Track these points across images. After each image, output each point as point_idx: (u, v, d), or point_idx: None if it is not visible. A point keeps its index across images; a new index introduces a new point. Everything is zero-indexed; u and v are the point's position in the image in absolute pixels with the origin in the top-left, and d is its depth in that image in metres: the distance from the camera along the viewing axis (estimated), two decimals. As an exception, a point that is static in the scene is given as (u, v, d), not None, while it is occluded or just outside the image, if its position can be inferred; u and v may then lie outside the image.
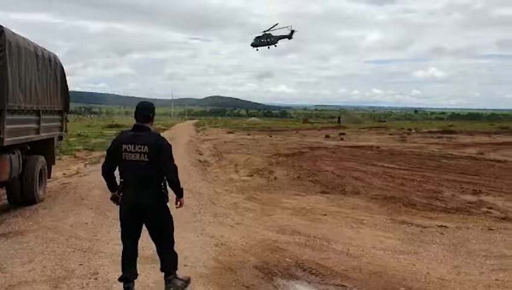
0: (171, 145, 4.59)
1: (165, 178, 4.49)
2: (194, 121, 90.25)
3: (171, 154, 4.54)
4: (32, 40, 8.79)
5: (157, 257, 4.89)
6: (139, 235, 4.71)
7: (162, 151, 4.41)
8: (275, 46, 39.53)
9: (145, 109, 4.58)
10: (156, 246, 4.75)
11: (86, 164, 16.78)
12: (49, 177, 10.46)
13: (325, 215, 8.62)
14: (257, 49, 38.92)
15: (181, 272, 5.43)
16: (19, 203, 9.03)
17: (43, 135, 9.55)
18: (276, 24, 43.31)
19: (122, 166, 4.49)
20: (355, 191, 11.18)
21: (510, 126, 56.36)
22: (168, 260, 4.73)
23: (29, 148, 9.15)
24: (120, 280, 4.65)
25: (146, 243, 6.49)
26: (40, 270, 5.37)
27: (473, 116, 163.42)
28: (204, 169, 15.85)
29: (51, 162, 10.40)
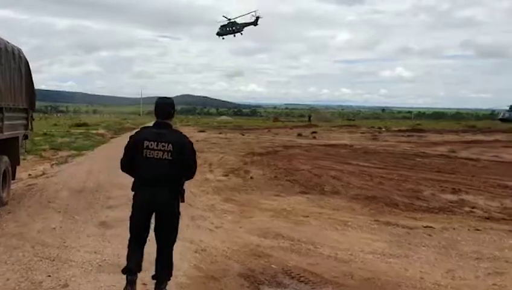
0: (192, 143, 4.51)
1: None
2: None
3: (195, 154, 4.49)
4: None
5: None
6: (148, 233, 4.54)
7: (186, 150, 4.36)
8: (241, 34, 39.20)
9: (166, 105, 4.49)
10: (158, 249, 4.53)
11: (53, 164, 16.04)
12: (13, 179, 9.81)
13: (307, 216, 8.30)
14: (223, 38, 38.47)
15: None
16: (-20, 207, 8.39)
17: (6, 134, 8.88)
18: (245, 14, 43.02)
19: (142, 163, 4.33)
20: (335, 191, 10.92)
21: (477, 125, 57.67)
22: (166, 267, 4.53)
23: (-10, 148, 8.51)
24: (123, 271, 4.47)
25: (120, 250, 6.08)
26: (2, 284, 4.86)
27: (439, 115, 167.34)
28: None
29: (15, 162, 9.76)
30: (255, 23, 44.03)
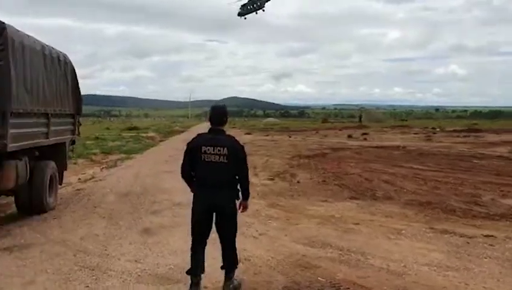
0: (244, 147, 4.86)
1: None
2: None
3: (246, 157, 4.82)
4: (49, 44, 8.23)
5: (172, 276, 5.16)
6: (209, 233, 4.82)
7: (239, 153, 4.71)
8: (263, 10, 36.34)
9: (220, 113, 4.83)
10: (223, 246, 4.87)
11: (102, 167, 16.29)
12: (60, 184, 9.89)
13: (357, 224, 7.85)
14: (245, 18, 35.94)
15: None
16: (28, 212, 8.46)
17: (53, 140, 8.97)
18: None
19: (200, 166, 4.66)
20: (387, 196, 10.37)
21: (538, 124, 54.56)
22: (232, 259, 4.89)
23: (37, 153, 8.58)
24: (188, 272, 4.76)
25: (160, 259, 5.89)
26: (40, 294, 4.75)
27: (495, 114, 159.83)
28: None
29: (62, 167, 9.82)
30: None
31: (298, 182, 12.72)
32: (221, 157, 4.60)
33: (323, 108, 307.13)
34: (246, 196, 4.91)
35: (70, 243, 6.68)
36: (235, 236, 4.90)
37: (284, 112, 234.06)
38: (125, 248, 6.42)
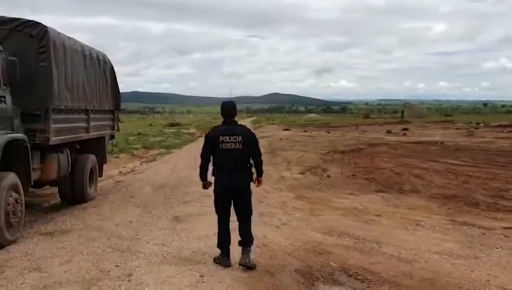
0: (254, 134, 5.66)
1: (251, 162, 5.48)
2: (252, 118, 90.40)
3: (258, 142, 5.62)
4: (96, 42, 8.90)
5: (194, 258, 5.73)
6: (230, 209, 5.56)
7: (252, 139, 5.50)
8: None
9: (231, 108, 5.59)
10: (240, 221, 5.54)
11: (142, 161, 17.04)
12: (100, 176, 10.57)
13: (379, 215, 8.07)
14: None
15: (218, 274, 5.20)
16: (70, 202, 9.15)
17: (93, 134, 9.63)
18: None
19: (219, 154, 5.37)
20: (414, 190, 10.48)
21: None
22: (248, 234, 5.51)
23: (78, 147, 9.25)
24: (219, 246, 5.52)
25: (185, 243, 6.36)
26: (75, 271, 5.28)
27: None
28: (257, 166, 15.60)
29: (102, 160, 10.50)
30: None
31: (328, 176, 12.96)
32: (237, 144, 5.35)
33: (367, 103, 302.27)
34: (260, 173, 5.64)
35: (105, 229, 7.25)
36: (251, 213, 5.59)
37: (326, 107, 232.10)
38: (155, 233, 6.93)
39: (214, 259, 5.57)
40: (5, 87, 6.48)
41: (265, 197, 9.86)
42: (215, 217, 5.68)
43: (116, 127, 11.47)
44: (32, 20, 7.41)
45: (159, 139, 27.76)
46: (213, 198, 5.65)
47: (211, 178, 5.61)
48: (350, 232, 6.94)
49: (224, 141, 5.35)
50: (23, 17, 7.46)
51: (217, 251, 5.60)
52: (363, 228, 7.22)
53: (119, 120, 11.88)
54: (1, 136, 6.22)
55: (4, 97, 6.48)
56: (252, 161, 5.52)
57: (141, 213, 8.36)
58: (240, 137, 5.38)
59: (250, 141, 5.47)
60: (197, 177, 11.87)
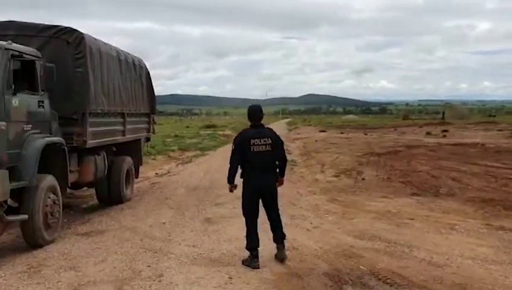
0: (279, 136, 5.95)
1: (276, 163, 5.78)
2: (288, 120, 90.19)
3: (283, 144, 5.95)
4: (136, 47, 9.17)
5: (223, 259, 5.86)
6: (259, 210, 5.74)
7: (279, 141, 5.79)
8: None
9: (259, 111, 5.85)
10: (270, 220, 5.79)
11: (178, 163, 17.31)
12: (136, 177, 10.81)
13: (412, 219, 7.93)
14: None
15: (247, 276, 5.25)
16: (107, 203, 9.42)
17: (129, 137, 9.87)
18: None
19: (250, 156, 5.57)
20: (450, 193, 10.23)
21: None
22: (281, 231, 5.78)
23: (115, 149, 9.50)
24: (248, 248, 5.64)
25: (216, 245, 6.44)
26: (109, 271, 5.44)
27: None
28: (291, 169, 15.50)
29: (138, 162, 10.74)
30: None
31: (363, 179, 12.82)
32: (267, 146, 5.61)
33: (407, 104, 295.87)
34: (282, 174, 5.92)
35: (139, 229, 7.43)
36: (278, 210, 5.85)
37: (365, 108, 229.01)
38: (187, 235, 7.05)
39: (243, 261, 5.64)
40: (43, 92, 6.73)
41: (298, 200, 9.86)
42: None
43: (151, 130, 11.71)
44: (69, 27, 7.67)
45: (195, 141, 28.11)
46: (242, 201, 5.80)
47: (237, 181, 5.77)
48: (382, 236, 6.85)
49: (255, 143, 5.58)
50: (61, 24, 7.73)
51: (246, 253, 5.68)
52: (395, 232, 7.11)
53: (155, 123, 12.12)
54: (40, 140, 6.47)
55: (42, 102, 6.74)
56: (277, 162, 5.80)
57: (174, 214, 8.52)
58: (270, 139, 5.64)
59: (278, 143, 5.75)
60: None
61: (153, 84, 11.48)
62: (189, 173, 14.28)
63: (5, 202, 5.85)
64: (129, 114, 9.77)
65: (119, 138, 9.43)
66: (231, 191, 5.90)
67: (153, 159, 17.54)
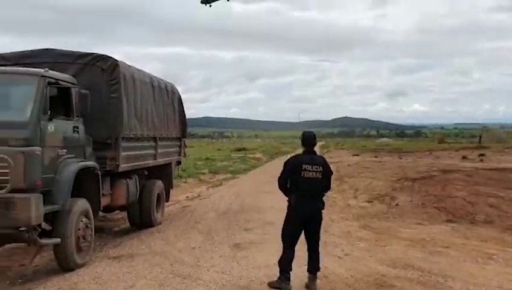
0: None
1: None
2: (320, 143, 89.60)
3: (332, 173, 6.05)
4: (169, 71, 9.36)
5: (252, 287, 5.77)
6: (299, 237, 5.77)
7: (329, 171, 5.87)
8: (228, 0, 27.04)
9: (313, 138, 5.98)
10: (311, 247, 5.79)
11: (209, 186, 17.39)
12: (167, 201, 10.89)
13: (447, 247, 7.68)
14: (210, 6, 26.96)
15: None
16: (138, 226, 9.50)
17: (160, 161, 9.99)
18: None
19: (300, 181, 5.64)
20: (488, 221, 9.89)
21: None
22: (317, 261, 5.78)
23: (146, 173, 9.61)
24: (280, 270, 5.64)
25: (245, 272, 6.37)
26: (137, 296, 5.45)
27: None
28: (323, 193, 15.41)
29: (169, 186, 10.83)
30: None
31: (397, 204, 12.55)
32: (318, 173, 5.68)
33: (442, 127, 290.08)
34: (324, 203, 5.96)
35: (169, 254, 7.44)
36: (320, 238, 5.90)
37: (399, 132, 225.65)
38: (216, 260, 7.01)
39: (270, 283, 5.66)
40: (78, 118, 6.91)
41: (330, 226, 9.70)
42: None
43: (183, 153, 11.83)
44: (104, 55, 7.89)
45: (225, 164, 28.25)
46: (282, 226, 5.84)
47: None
48: (415, 265, 6.65)
49: (307, 169, 5.64)
50: (96, 52, 7.97)
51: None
52: (429, 260, 6.90)
53: (186, 146, 12.24)
54: (74, 164, 6.61)
55: (77, 127, 6.91)
56: None
57: (204, 239, 8.50)
58: (321, 167, 5.72)
59: (328, 172, 5.85)
60: (261, 205, 12.08)
61: (185, 107, 11.68)
62: (220, 197, 14.30)
63: (39, 225, 5.97)
64: (161, 138, 9.91)
65: (151, 162, 9.55)
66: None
67: (184, 182, 17.68)
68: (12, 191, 5.61)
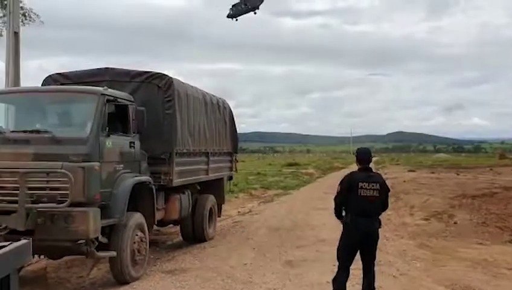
0: None
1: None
2: (374, 158, 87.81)
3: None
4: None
5: None
6: (355, 256, 5.60)
7: (386, 188, 5.66)
8: (255, 13, 26.20)
9: (369, 154, 5.84)
10: (366, 266, 5.61)
11: (260, 202, 17.38)
12: (219, 216, 10.97)
13: (511, 269, 7.26)
14: (236, 20, 26.49)
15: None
16: (191, 241, 9.60)
17: (212, 176, 10.09)
18: None
19: (356, 199, 5.43)
20: (557, 242, 9.29)
21: None
22: (372, 280, 5.62)
23: (199, 188, 9.73)
24: (334, 289, 5.54)
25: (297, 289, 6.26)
26: (190, 311, 5.47)
27: None
28: (376, 210, 15.02)
29: (220, 201, 10.91)
30: None
31: (455, 223, 12.02)
32: (375, 191, 5.44)
33: (502, 142, 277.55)
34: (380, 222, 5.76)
35: (221, 269, 7.45)
36: (375, 259, 5.71)
37: (457, 147, 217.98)
38: (268, 277, 6.95)
39: None
40: (134, 134, 7.11)
41: (385, 244, 9.40)
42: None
43: (234, 169, 11.90)
44: (160, 73, 8.12)
45: (277, 179, 28.19)
46: (338, 245, 5.69)
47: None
48: (476, 287, 6.34)
49: (363, 187, 5.44)
50: (153, 70, 8.21)
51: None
52: (491, 283, 6.55)
53: (237, 161, 12.31)
54: (130, 179, 6.79)
55: (133, 143, 7.10)
56: None
57: (256, 255, 8.47)
58: (378, 185, 5.50)
59: (385, 189, 5.62)
60: (313, 222, 11.93)
61: (236, 122, 11.79)
62: (271, 213, 14.25)
63: (97, 238, 6.14)
64: (213, 153, 10.03)
65: (203, 177, 9.67)
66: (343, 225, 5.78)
67: (236, 197, 17.75)
68: (72, 204, 5.81)
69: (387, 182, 6.03)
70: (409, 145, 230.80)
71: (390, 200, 17.25)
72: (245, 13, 26.21)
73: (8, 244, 2.40)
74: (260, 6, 26.67)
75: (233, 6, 27.04)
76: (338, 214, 5.68)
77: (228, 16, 26.55)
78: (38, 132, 6.43)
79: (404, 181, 26.24)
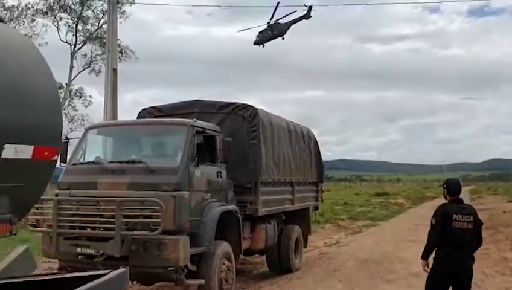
0: None
1: None
2: (470, 187, 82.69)
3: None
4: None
5: None
6: None
7: (479, 220, 5.44)
8: (283, 38, 24.72)
9: (458, 185, 5.65)
10: None
11: (347, 233, 16.95)
12: (305, 247, 10.81)
13: None
14: (263, 46, 24.95)
15: None
16: (277, 271, 9.54)
17: (297, 205, 10.04)
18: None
19: (450, 232, 5.25)
20: None
21: None
22: None
23: (284, 218, 9.71)
24: None
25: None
26: None
27: None
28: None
29: (306, 231, 10.78)
30: (306, 16, 27.59)
31: None
32: (469, 223, 5.27)
33: None
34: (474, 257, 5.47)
35: (308, 301, 7.30)
36: None
37: None
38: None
39: None
40: (221, 163, 7.30)
41: (483, 281, 8.75)
42: None
43: (320, 198, 11.76)
44: (245, 104, 8.34)
45: (365, 209, 27.40)
46: (426, 279, 5.48)
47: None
48: None
49: (457, 219, 5.27)
50: (237, 101, 8.46)
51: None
52: None
53: (323, 191, 12.16)
54: (217, 208, 6.95)
55: (220, 172, 7.29)
56: None
57: (343, 288, 8.24)
58: (472, 217, 5.33)
59: (478, 222, 5.43)
60: (404, 254, 11.41)
61: (322, 150, 11.72)
62: (359, 244, 13.83)
63: (186, 266, 6.29)
64: (297, 183, 10.00)
65: (288, 207, 9.65)
66: (424, 269, 5.57)
67: (322, 227, 17.48)
68: (163, 232, 6.01)
69: (484, 213, 5.70)
70: (508, 174, 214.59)
71: (489, 232, 16.34)
72: (272, 39, 26.23)
73: (109, 272, 2.53)
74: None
75: (260, 33, 26.87)
76: (429, 251, 5.46)
77: (255, 43, 26.55)
78: (133, 162, 6.84)
79: (504, 212, 24.39)
